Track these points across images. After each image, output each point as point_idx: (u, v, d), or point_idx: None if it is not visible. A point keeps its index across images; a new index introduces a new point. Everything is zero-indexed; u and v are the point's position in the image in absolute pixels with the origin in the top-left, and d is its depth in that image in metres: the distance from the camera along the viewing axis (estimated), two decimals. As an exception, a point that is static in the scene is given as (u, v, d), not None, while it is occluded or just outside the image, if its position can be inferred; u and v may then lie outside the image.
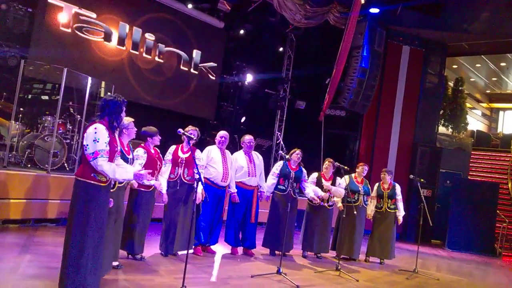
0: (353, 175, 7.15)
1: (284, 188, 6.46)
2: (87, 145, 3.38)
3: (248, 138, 6.36)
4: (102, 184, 3.48)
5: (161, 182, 5.20)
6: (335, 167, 6.79)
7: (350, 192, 6.84)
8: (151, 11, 10.20)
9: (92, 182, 3.43)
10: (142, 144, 5.06)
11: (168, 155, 5.51)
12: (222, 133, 6.11)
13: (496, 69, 18.92)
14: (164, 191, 5.22)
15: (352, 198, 6.88)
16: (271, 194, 6.62)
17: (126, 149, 4.19)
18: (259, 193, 6.37)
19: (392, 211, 7.19)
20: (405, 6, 10.32)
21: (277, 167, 6.59)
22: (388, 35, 11.09)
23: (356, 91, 10.26)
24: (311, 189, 6.62)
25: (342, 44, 9.78)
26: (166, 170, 5.41)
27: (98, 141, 3.39)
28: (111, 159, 3.51)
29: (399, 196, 7.24)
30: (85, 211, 3.40)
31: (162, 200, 5.27)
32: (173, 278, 4.53)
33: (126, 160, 4.03)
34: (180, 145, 5.55)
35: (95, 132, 3.41)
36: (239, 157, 6.29)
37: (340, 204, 6.94)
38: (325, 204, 6.79)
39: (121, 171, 3.51)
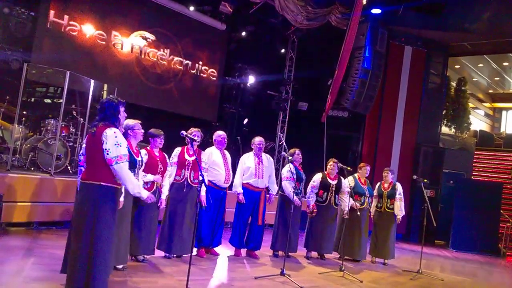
0: (356, 175, 7.12)
1: (299, 192, 6.39)
2: (109, 149, 3.28)
3: (258, 140, 6.29)
4: (119, 187, 3.46)
5: (164, 185, 5.17)
6: (339, 168, 6.76)
7: (357, 194, 6.83)
8: (152, 14, 10.22)
9: (115, 186, 3.40)
10: (148, 147, 5.06)
11: (174, 158, 5.46)
12: (222, 133, 6.04)
13: (498, 68, 18.85)
14: (164, 196, 5.17)
15: (359, 200, 6.87)
16: (280, 198, 6.56)
17: (135, 151, 4.19)
18: (267, 196, 6.30)
19: (390, 211, 7.15)
20: (407, 6, 10.29)
21: (292, 171, 6.13)
22: (390, 35, 11.08)
23: (359, 92, 10.26)
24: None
25: (344, 45, 9.77)
26: (171, 173, 5.36)
27: (120, 146, 3.33)
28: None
29: (398, 196, 7.16)
30: (111, 216, 3.35)
31: (159, 203, 5.10)
32: (177, 280, 4.53)
33: (134, 162, 4.03)
34: (186, 147, 5.51)
35: (116, 136, 3.33)
36: (248, 158, 6.23)
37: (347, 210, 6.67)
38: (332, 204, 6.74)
39: (136, 185, 3.47)
